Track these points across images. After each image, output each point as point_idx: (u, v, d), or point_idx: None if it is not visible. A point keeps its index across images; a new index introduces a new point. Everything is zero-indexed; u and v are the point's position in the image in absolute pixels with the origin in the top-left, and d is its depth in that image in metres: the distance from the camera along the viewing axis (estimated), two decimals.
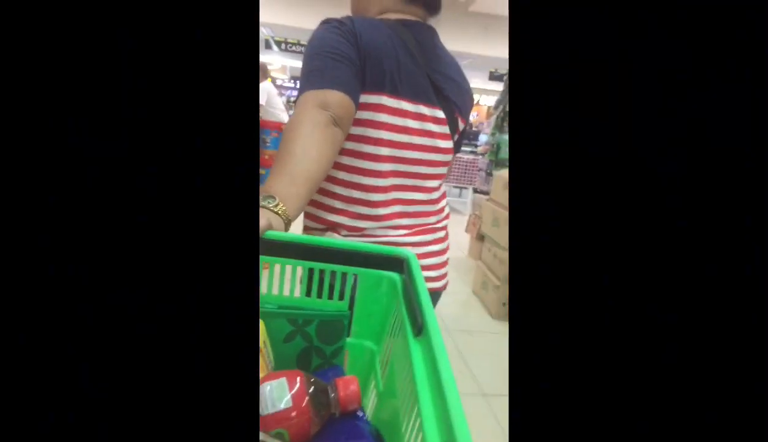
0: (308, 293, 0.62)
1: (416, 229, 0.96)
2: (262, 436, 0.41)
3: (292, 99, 9.35)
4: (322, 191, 0.95)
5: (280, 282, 0.62)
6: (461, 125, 1.01)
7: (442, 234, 1.02)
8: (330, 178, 0.93)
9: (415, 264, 0.59)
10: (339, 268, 0.61)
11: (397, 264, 0.61)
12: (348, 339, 0.63)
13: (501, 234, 3.09)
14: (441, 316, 1.16)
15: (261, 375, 0.48)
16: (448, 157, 0.99)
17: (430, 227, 0.98)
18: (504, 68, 8.43)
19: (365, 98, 0.85)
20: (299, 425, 0.42)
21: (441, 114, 0.93)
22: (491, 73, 9.20)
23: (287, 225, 0.66)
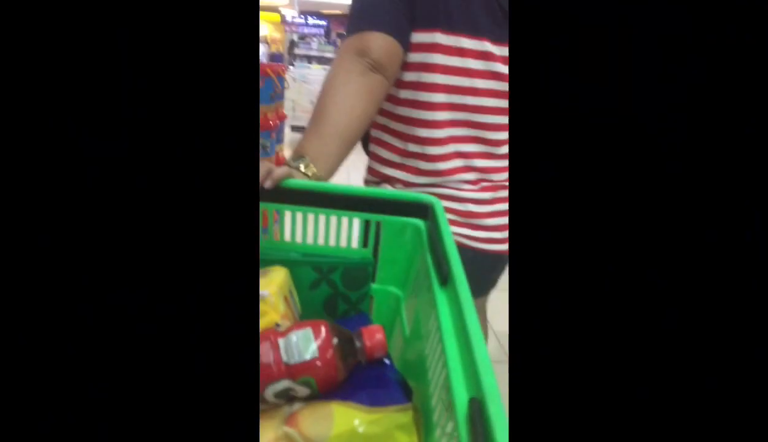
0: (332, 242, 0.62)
1: (482, 183, 0.86)
2: (289, 383, 0.42)
3: (306, 35, 9.00)
4: (378, 142, 0.89)
5: (303, 230, 0.61)
6: None
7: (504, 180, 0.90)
8: (385, 129, 0.87)
9: (440, 210, 0.57)
10: (361, 215, 0.60)
11: (422, 210, 0.60)
12: (373, 285, 0.63)
13: None
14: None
15: (288, 324, 0.49)
16: None
17: (499, 183, 0.88)
18: None
19: (417, 37, 0.75)
20: (326, 374, 0.43)
21: (507, 51, 0.79)
22: None
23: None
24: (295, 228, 0.61)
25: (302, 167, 0.64)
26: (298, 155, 0.67)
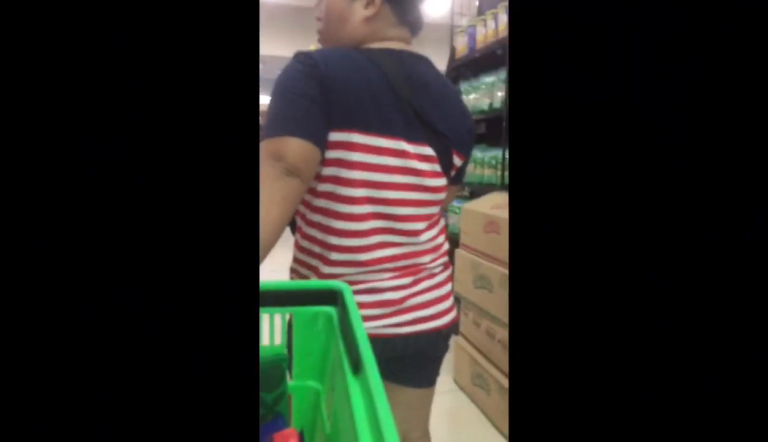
0: None
1: (406, 270, 0.88)
2: None
3: None
4: (301, 233, 0.89)
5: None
6: (458, 161, 0.92)
7: (437, 269, 0.93)
8: (305, 219, 0.87)
9: (349, 295, 0.57)
10: (271, 310, 0.58)
11: (332, 297, 0.59)
12: (290, 382, 0.60)
13: (494, 301, 1.85)
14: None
15: None
16: (439, 196, 0.90)
17: (423, 266, 0.90)
18: None
19: (334, 136, 0.78)
20: None
21: (429, 151, 0.85)
22: None
23: None
24: None
25: None
26: None
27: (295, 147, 0.74)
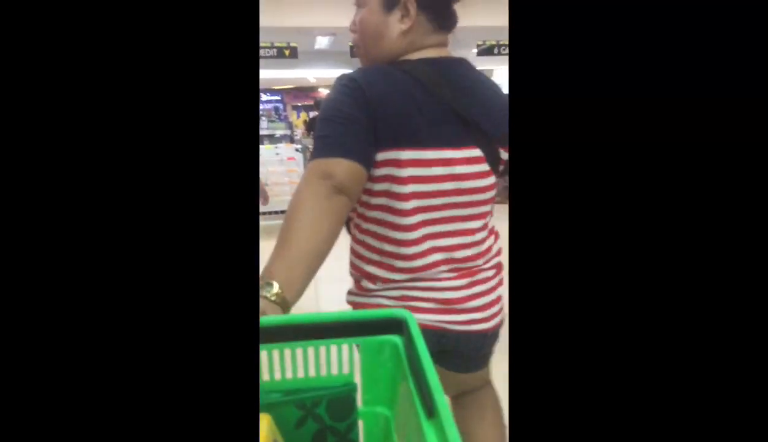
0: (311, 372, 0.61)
1: (461, 272, 0.91)
2: None
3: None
4: (356, 239, 0.94)
5: (280, 367, 0.60)
6: (505, 155, 0.94)
7: (490, 273, 0.96)
8: (360, 228, 0.92)
9: (413, 324, 0.57)
10: (337, 341, 0.60)
11: (397, 326, 0.60)
12: (360, 408, 0.61)
13: None
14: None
15: None
16: (489, 194, 0.93)
17: (477, 268, 0.93)
18: (493, 38, 6.70)
19: (384, 155, 0.82)
20: None
21: (476, 152, 0.87)
22: (478, 46, 6.97)
23: (285, 311, 0.65)
24: (272, 366, 0.60)
25: (271, 294, 0.65)
26: (266, 281, 0.67)
27: (344, 167, 0.76)
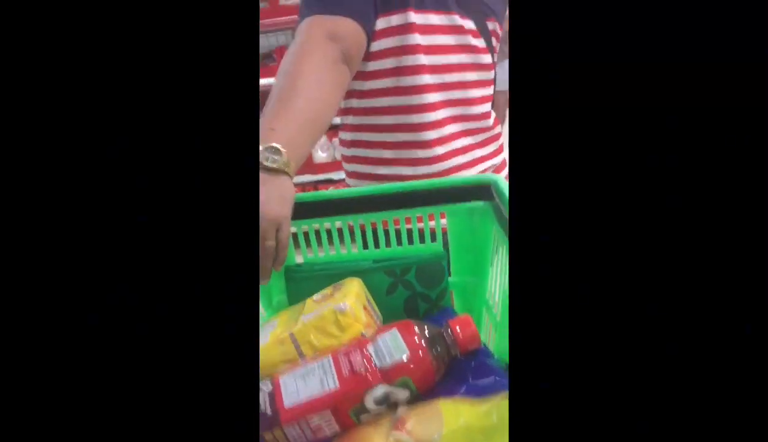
0: (399, 242, 0.60)
1: (474, 163, 0.84)
2: (387, 388, 0.40)
3: None
4: (361, 144, 0.83)
5: (368, 237, 0.60)
6: (500, 32, 0.83)
7: (499, 162, 0.89)
8: (368, 127, 0.81)
9: (504, 186, 0.54)
10: (423, 210, 0.58)
11: (484, 191, 0.57)
12: (450, 279, 0.60)
13: None
14: None
15: (370, 332, 0.47)
16: (491, 75, 0.83)
17: (487, 158, 0.86)
18: None
19: (390, 20, 0.70)
20: (422, 371, 0.41)
21: (471, 24, 0.77)
22: None
23: (291, 179, 0.54)
24: (359, 237, 0.60)
25: (278, 163, 0.52)
26: (270, 143, 0.53)
27: (351, 30, 0.64)
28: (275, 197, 0.51)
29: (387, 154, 0.80)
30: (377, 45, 0.72)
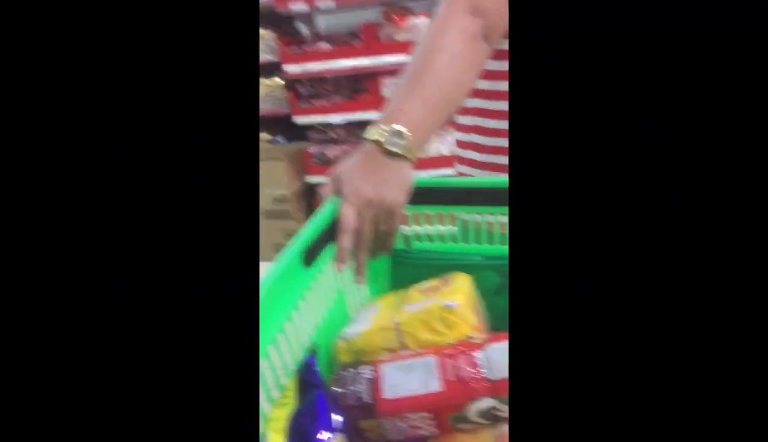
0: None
1: None
2: (493, 402, 0.38)
3: None
4: (474, 129, 0.79)
5: (478, 232, 0.57)
6: None
7: None
8: (487, 112, 0.77)
9: None
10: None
11: None
12: None
13: None
14: None
15: (481, 336, 0.45)
16: None
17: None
18: None
19: None
20: None
21: None
22: None
23: (413, 165, 0.52)
24: (467, 232, 0.57)
25: (400, 147, 0.49)
26: (394, 126, 0.50)
27: (497, 4, 0.58)
28: (393, 183, 0.50)
29: (505, 143, 0.75)
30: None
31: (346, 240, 0.49)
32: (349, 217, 0.49)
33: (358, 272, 0.53)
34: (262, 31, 2.20)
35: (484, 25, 0.58)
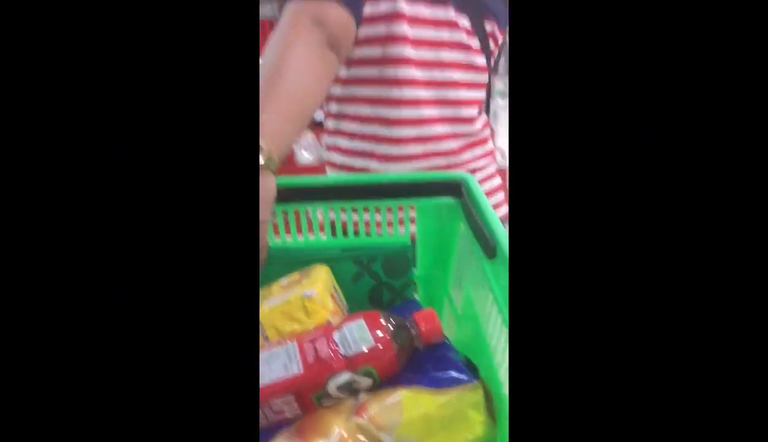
0: (367, 233, 0.61)
1: (458, 168, 0.82)
2: (350, 376, 0.41)
3: None
4: (340, 133, 0.82)
5: (337, 226, 0.60)
6: (500, 37, 0.80)
7: (488, 167, 0.88)
8: (348, 117, 0.80)
9: (474, 185, 0.56)
10: (393, 202, 0.59)
11: (454, 189, 0.58)
12: (415, 272, 0.62)
13: None
14: None
15: (338, 320, 0.48)
16: (483, 78, 0.81)
17: (464, 162, 0.83)
18: None
19: (376, 6, 0.68)
20: (386, 361, 0.42)
21: (467, 22, 0.75)
22: None
23: (275, 175, 0.52)
24: (329, 224, 0.61)
25: (263, 160, 0.49)
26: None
27: (339, 14, 0.61)
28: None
29: (362, 146, 0.79)
30: (363, 31, 0.69)
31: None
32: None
33: None
34: None
35: (329, 34, 0.60)
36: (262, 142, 0.50)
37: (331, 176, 0.61)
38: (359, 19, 0.65)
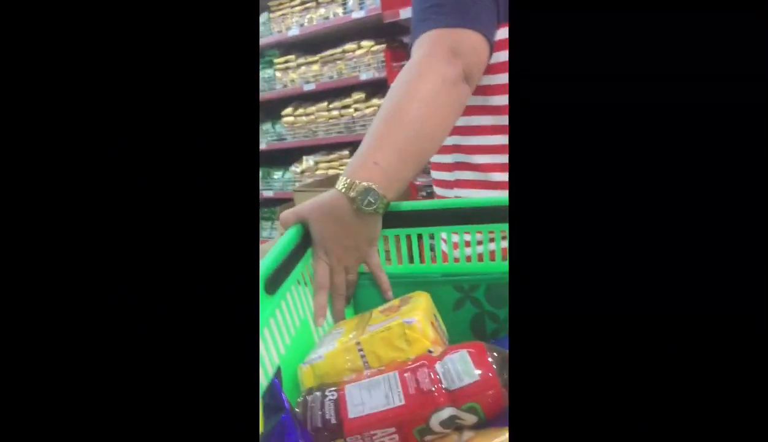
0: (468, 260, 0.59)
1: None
2: (454, 411, 0.39)
3: None
4: (462, 149, 0.76)
5: (437, 251, 0.59)
6: None
7: None
8: (456, 148, 0.74)
9: None
10: (496, 226, 0.57)
11: None
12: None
13: None
14: None
15: (439, 349, 0.47)
16: None
17: None
18: None
19: (505, 32, 0.63)
20: (491, 398, 0.40)
21: None
22: None
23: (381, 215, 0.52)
24: (429, 250, 0.60)
25: (374, 206, 0.49)
26: (369, 184, 0.49)
27: (476, 44, 0.57)
28: (363, 237, 0.51)
29: (465, 175, 0.75)
30: (494, 57, 0.64)
31: (322, 297, 0.51)
32: (322, 275, 0.51)
33: (336, 318, 0.54)
34: (367, 43, 2.24)
35: (465, 65, 0.57)
36: (376, 186, 0.48)
37: (429, 201, 0.60)
38: (492, 46, 0.61)
